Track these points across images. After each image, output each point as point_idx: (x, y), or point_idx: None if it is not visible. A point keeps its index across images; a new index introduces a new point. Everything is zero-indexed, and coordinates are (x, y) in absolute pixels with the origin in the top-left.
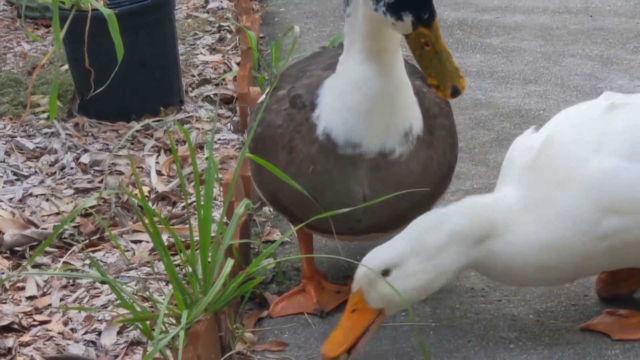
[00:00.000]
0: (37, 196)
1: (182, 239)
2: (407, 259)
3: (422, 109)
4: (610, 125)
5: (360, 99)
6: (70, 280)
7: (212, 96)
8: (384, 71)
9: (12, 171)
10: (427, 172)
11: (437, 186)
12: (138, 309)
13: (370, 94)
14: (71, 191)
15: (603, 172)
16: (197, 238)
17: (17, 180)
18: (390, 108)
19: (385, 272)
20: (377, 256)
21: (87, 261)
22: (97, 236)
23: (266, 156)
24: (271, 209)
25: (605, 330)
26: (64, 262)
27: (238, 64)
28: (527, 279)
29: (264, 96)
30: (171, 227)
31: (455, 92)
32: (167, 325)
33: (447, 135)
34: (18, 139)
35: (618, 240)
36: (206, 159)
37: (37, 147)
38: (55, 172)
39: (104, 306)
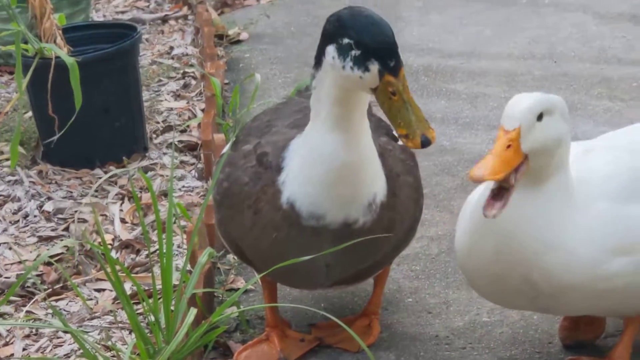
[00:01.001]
0: (0, 245)
1: (146, 288)
2: (554, 108)
3: (386, 170)
4: (595, 170)
5: (325, 172)
6: (33, 330)
7: (176, 143)
8: (351, 141)
9: None
10: (391, 233)
11: (402, 239)
12: (101, 358)
13: (336, 167)
14: (34, 239)
15: (604, 217)
16: (161, 287)
17: None
18: (355, 179)
19: (540, 117)
20: (536, 97)
21: (50, 310)
22: (60, 285)
23: (232, 212)
24: (235, 257)
25: None
26: (27, 311)
27: (203, 110)
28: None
29: (227, 147)
30: (135, 275)
31: (426, 142)
32: None
33: (411, 192)
34: None
35: (622, 282)
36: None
37: (0, 195)
38: (18, 220)
39: (67, 356)
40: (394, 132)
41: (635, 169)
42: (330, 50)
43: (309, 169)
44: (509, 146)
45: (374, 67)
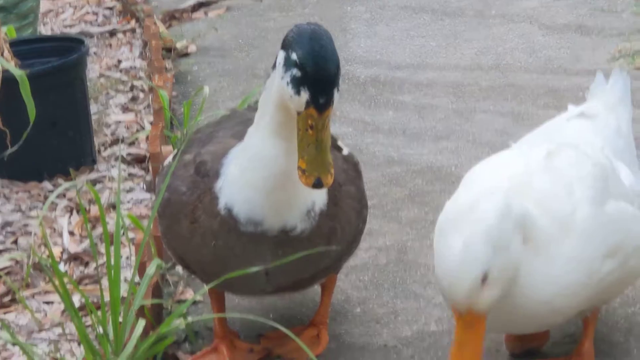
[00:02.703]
0: None
1: (94, 300)
2: (494, 257)
3: None
4: (567, 172)
5: (264, 177)
6: None
7: (124, 156)
8: (291, 149)
9: None
10: (332, 243)
11: (345, 249)
12: None
13: (275, 172)
14: None
15: (589, 220)
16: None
17: None
18: (293, 186)
19: (484, 278)
20: (469, 270)
21: None
22: (9, 298)
23: (172, 222)
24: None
25: None
26: None
27: (151, 123)
28: (526, 317)
29: (170, 158)
30: (84, 287)
31: (318, 184)
32: None
33: (353, 202)
34: None
35: (607, 282)
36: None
37: None
38: None
39: None
40: (338, 142)
41: (598, 167)
42: (281, 55)
43: (249, 173)
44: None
45: (305, 95)
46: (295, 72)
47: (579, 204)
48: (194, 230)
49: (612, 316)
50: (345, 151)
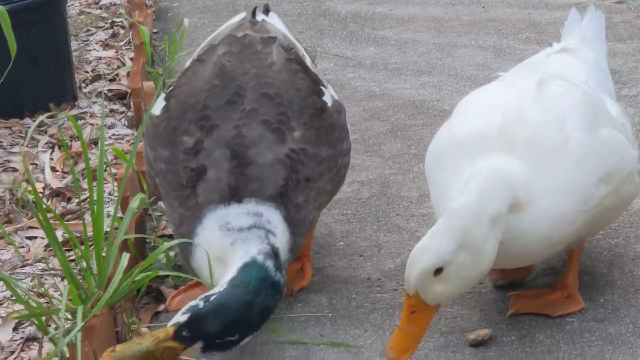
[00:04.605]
0: None
1: (77, 235)
2: (456, 254)
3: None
4: (559, 102)
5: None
6: None
7: (105, 92)
8: None
9: None
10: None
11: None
12: (33, 304)
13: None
14: None
15: (584, 146)
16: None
17: None
18: None
19: (438, 270)
20: (426, 257)
21: None
22: None
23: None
24: None
25: (541, 311)
26: None
27: (131, 59)
28: (533, 254)
29: (161, 99)
30: (66, 222)
31: None
32: (62, 320)
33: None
34: None
35: (601, 208)
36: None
37: None
38: None
39: None
40: (321, 87)
41: (588, 95)
42: None
43: None
44: (414, 311)
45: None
46: None
47: (572, 132)
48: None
49: (595, 248)
50: (328, 96)
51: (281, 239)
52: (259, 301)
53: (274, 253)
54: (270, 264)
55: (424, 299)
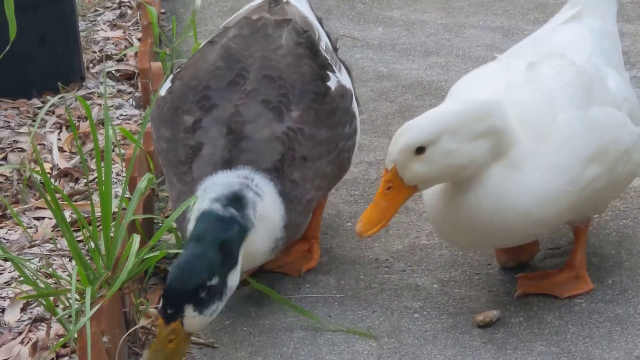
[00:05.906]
0: None
1: (85, 215)
2: (442, 136)
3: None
4: (549, 82)
5: None
6: None
7: (113, 72)
8: None
9: None
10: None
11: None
12: (41, 285)
13: None
14: None
15: (572, 125)
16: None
17: None
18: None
19: (420, 149)
20: (413, 132)
21: None
22: (0, 213)
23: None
24: None
25: (549, 292)
26: None
27: (139, 39)
28: (514, 229)
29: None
30: (74, 203)
31: None
32: (70, 301)
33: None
34: None
35: (591, 189)
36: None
37: None
38: None
39: (7, 283)
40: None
41: (582, 74)
42: None
43: None
44: (389, 187)
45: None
46: None
47: (559, 111)
48: None
49: (603, 229)
50: (333, 81)
51: (274, 213)
52: (210, 238)
53: (235, 198)
54: (217, 205)
55: (401, 175)
